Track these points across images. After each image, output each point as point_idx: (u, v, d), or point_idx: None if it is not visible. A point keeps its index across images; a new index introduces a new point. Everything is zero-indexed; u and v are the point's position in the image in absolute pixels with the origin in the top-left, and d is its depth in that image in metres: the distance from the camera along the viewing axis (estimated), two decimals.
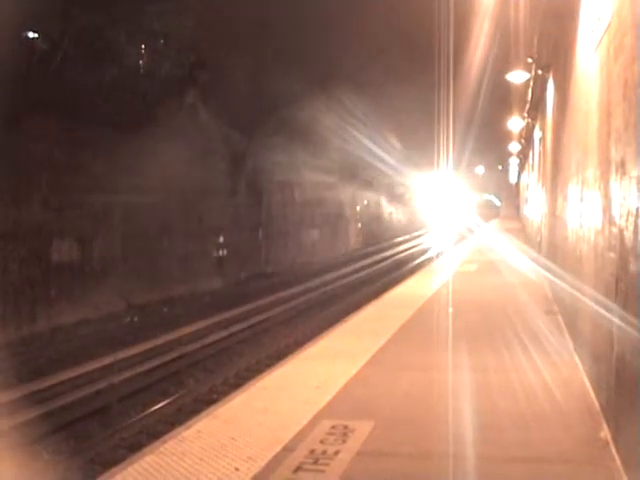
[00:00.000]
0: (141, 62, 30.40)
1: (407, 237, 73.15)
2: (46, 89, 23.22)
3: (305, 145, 44.34)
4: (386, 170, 59.16)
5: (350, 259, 47.91)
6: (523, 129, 33.28)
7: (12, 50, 21.41)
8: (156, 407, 14.24)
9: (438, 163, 45.85)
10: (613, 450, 6.58)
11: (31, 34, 24.29)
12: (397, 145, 60.61)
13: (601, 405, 7.72)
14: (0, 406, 13.44)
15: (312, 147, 45.57)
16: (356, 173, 56.60)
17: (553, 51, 16.05)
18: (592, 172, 8.69)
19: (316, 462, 6.53)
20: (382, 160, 55.96)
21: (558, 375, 9.66)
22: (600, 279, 7.73)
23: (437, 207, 76.42)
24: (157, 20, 29.58)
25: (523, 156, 50.27)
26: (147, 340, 19.59)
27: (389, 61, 55.26)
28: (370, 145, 52.13)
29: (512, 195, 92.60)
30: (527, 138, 37.00)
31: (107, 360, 17.00)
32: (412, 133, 59.72)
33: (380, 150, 54.38)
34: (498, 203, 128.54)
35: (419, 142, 58.74)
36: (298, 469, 6.37)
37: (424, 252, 51.18)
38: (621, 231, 6.25)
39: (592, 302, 8.56)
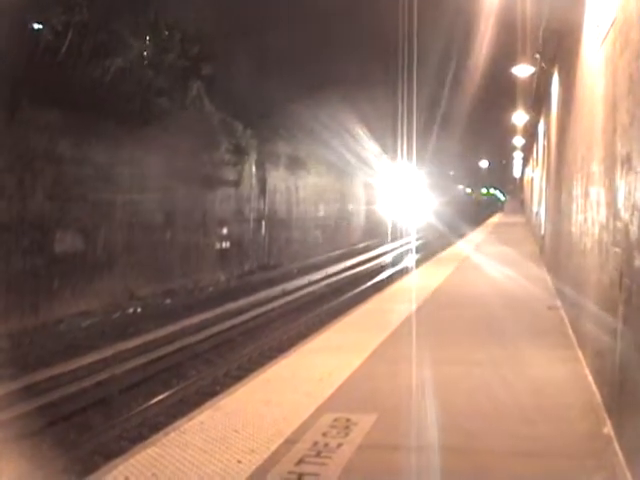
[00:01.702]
0: (145, 53, 30.38)
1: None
2: (51, 80, 23.19)
3: (307, 140, 44.41)
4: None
5: (351, 252, 47.80)
6: (527, 123, 33.25)
7: (18, 41, 21.40)
8: (158, 399, 14.24)
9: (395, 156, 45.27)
10: (616, 445, 6.57)
11: (36, 25, 24.28)
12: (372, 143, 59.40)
13: (604, 400, 7.71)
14: (0, 398, 13.44)
15: (313, 142, 45.62)
16: (355, 169, 56.25)
17: (558, 45, 16.02)
18: (597, 166, 8.67)
19: (318, 455, 6.53)
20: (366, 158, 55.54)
21: (562, 370, 9.67)
22: (604, 273, 7.72)
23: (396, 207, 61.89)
24: (161, 12, 29.60)
25: (527, 150, 50.23)
26: (149, 331, 19.60)
27: (370, 63, 55.85)
28: (363, 144, 52.14)
29: (516, 189, 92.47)
30: (531, 132, 36.96)
31: (109, 351, 17.00)
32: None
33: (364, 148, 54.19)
34: (502, 197, 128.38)
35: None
36: (300, 461, 6.37)
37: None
38: (626, 225, 6.24)
39: (596, 296, 8.55)
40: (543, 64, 18.64)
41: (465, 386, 8.97)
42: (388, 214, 61.71)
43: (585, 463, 6.42)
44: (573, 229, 12.28)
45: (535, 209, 36.56)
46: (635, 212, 5.81)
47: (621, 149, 6.62)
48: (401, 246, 51.80)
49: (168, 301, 26.52)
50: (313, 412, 7.78)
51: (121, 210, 26.10)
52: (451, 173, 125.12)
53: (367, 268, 39.41)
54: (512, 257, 26.42)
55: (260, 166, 38.95)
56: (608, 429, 7.05)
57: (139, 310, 24.36)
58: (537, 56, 18.09)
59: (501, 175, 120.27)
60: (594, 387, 8.54)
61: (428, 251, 42.93)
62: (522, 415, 7.68)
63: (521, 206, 79.68)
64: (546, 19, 14.18)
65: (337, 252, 48.63)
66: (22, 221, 21.25)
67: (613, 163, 7.12)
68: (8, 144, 20.80)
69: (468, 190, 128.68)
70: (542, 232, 26.20)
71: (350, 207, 60.05)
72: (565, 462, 6.46)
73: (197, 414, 7.94)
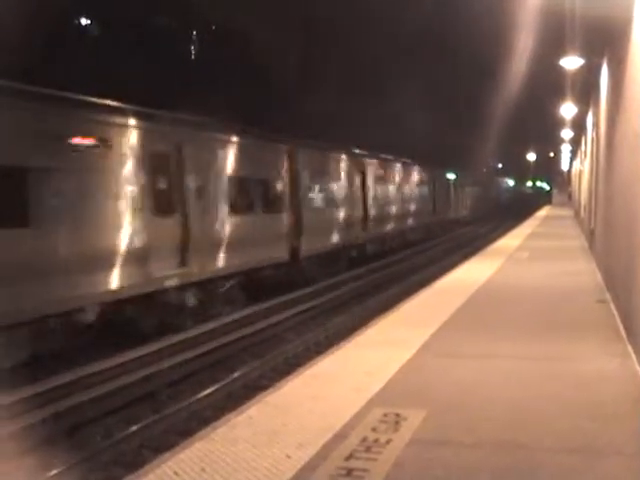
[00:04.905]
0: (192, 48, 30.62)
1: None
2: (97, 74, 23.37)
3: None
4: None
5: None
6: (576, 115, 32.98)
7: (65, 35, 21.69)
8: (206, 392, 14.26)
9: None
10: None
11: (84, 20, 24.61)
12: None
13: None
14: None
15: None
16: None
17: (608, 36, 15.86)
18: None
19: (368, 450, 6.51)
20: None
21: (611, 364, 9.58)
22: None
23: None
24: (209, 9, 29.82)
25: (575, 142, 49.80)
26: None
27: None
28: None
29: (564, 182, 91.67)
30: (580, 124, 36.66)
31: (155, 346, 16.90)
32: None
33: None
34: (547, 188, 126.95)
35: None
36: (350, 457, 6.36)
37: None
38: None
39: None
40: (593, 56, 18.47)
41: (514, 380, 8.92)
42: None
43: (635, 459, 6.36)
44: (622, 222, 12.16)
45: (584, 202, 36.25)
46: None
47: None
48: None
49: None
50: (362, 407, 7.77)
51: None
52: (499, 166, 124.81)
53: None
54: (561, 251, 26.26)
55: None
56: None
57: None
58: (585, 48, 17.93)
59: (549, 168, 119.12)
60: None
61: None
62: (573, 411, 7.63)
63: (569, 199, 79.02)
64: (596, 9, 14.05)
65: None
66: None
67: None
68: None
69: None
70: (591, 225, 25.96)
71: None
72: (614, 459, 6.41)
73: (246, 408, 7.96)
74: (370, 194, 37.01)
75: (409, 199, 47.13)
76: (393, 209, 42.57)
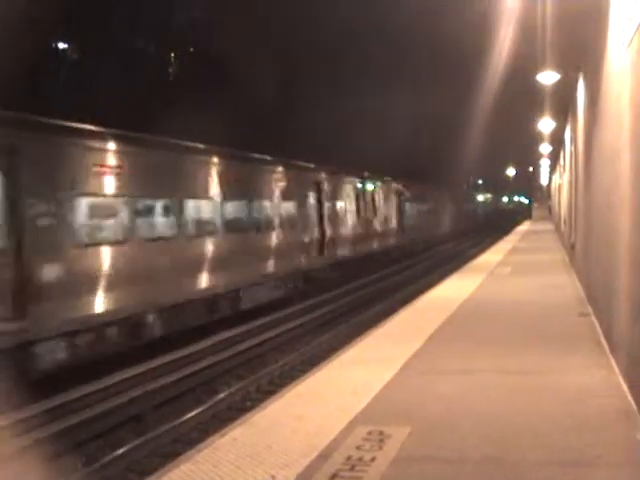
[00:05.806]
0: (170, 70, 30.65)
1: None
2: (77, 96, 23.32)
3: None
4: None
5: None
6: (554, 130, 33.12)
7: (44, 60, 21.69)
8: (190, 415, 14.22)
9: None
10: None
11: (61, 44, 24.61)
12: None
13: (639, 407, 7.65)
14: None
15: None
16: None
17: (583, 51, 15.97)
18: (626, 172, 8.62)
19: (353, 469, 6.50)
20: None
21: (595, 377, 9.59)
22: (637, 277, 7.66)
23: None
24: (188, 30, 29.89)
25: (554, 157, 50.00)
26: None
27: None
28: None
29: (544, 196, 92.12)
30: (558, 139, 36.81)
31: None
32: None
33: None
34: (527, 201, 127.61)
35: None
36: (335, 476, 6.35)
37: None
38: None
39: (629, 302, 8.48)
40: (569, 71, 18.58)
41: (499, 395, 8.91)
42: None
43: (622, 470, 6.37)
44: (602, 235, 12.21)
45: (563, 216, 36.38)
46: None
47: None
48: None
49: None
50: (346, 425, 7.75)
51: None
52: (479, 182, 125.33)
53: None
54: (542, 265, 26.32)
55: None
56: None
57: None
58: (562, 63, 18.04)
59: (528, 182, 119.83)
60: (628, 394, 8.48)
61: None
62: (558, 424, 7.62)
63: (549, 213, 79.36)
64: (570, 24, 14.15)
65: None
66: None
67: None
68: None
69: None
70: (572, 239, 26.05)
71: None
72: (602, 470, 6.41)
73: (230, 430, 7.94)
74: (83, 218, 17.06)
75: (240, 227, 25.26)
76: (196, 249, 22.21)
